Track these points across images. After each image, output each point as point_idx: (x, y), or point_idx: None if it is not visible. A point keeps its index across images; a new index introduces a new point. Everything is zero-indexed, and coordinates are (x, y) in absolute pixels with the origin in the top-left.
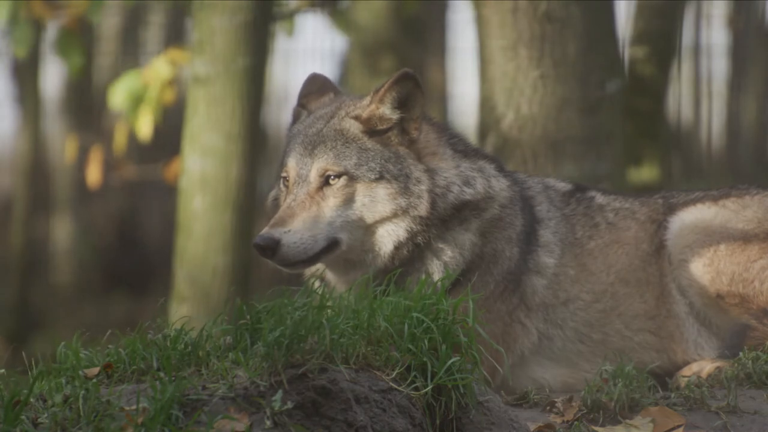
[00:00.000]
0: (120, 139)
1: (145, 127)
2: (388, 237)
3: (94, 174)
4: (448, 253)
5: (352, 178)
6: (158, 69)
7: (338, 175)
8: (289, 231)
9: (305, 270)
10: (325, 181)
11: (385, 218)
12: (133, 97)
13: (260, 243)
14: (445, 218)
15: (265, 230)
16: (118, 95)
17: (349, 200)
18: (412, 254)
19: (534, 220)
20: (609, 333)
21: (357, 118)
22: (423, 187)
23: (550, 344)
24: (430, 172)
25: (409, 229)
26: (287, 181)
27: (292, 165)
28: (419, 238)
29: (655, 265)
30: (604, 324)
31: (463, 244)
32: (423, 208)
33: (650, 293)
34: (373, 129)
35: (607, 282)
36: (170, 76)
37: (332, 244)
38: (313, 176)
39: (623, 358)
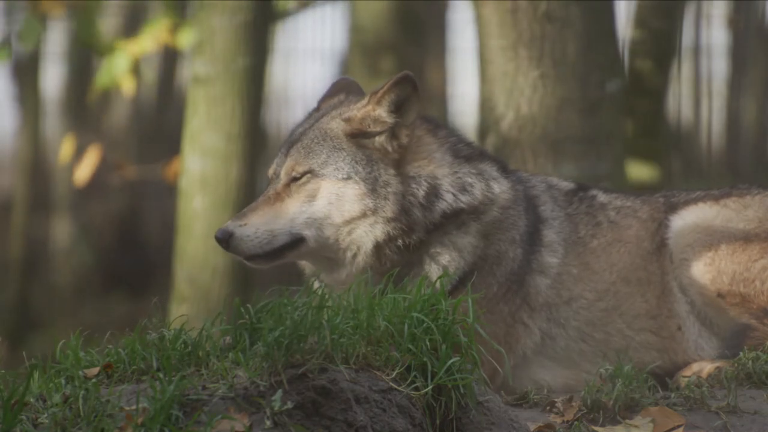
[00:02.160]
0: (100, 82)
1: (127, 83)
2: (366, 237)
3: (83, 172)
4: (446, 257)
5: (317, 176)
6: (143, 43)
7: (303, 173)
8: (245, 224)
9: (305, 268)
10: (294, 179)
11: (356, 218)
12: (115, 70)
13: (217, 235)
14: (436, 224)
15: (225, 223)
16: (103, 76)
17: (312, 197)
18: (405, 257)
19: (538, 220)
20: (611, 332)
21: (348, 119)
22: (390, 190)
23: (553, 344)
24: (405, 177)
25: (386, 230)
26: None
27: (273, 164)
28: (400, 241)
29: (656, 264)
30: (607, 323)
31: (463, 247)
32: (389, 209)
33: (651, 292)
34: (362, 131)
35: (609, 281)
36: (152, 49)
37: (297, 241)
38: (283, 174)
39: (623, 358)
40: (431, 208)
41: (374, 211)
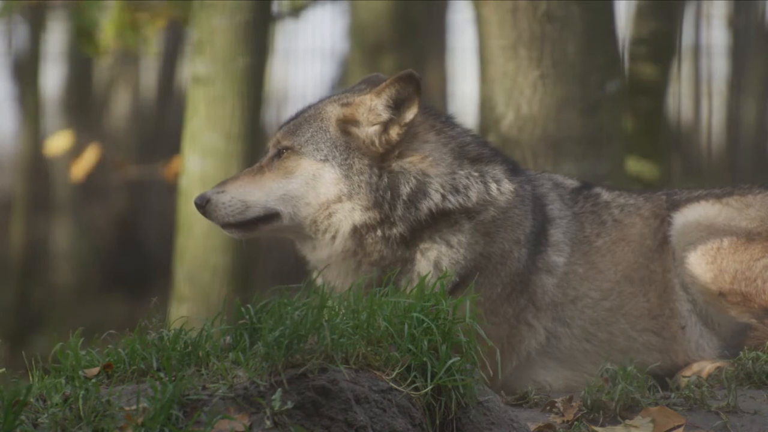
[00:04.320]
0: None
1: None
2: (345, 220)
3: (80, 168)
4: (434, 253)
5: (297, 153)
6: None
7: (285, 148)
8: (223, 192)
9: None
10: (278, 153)
11: (332, 201)
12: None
13: (195, 200)
14: (423, 221)
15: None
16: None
17: (290, 174)
18: (396, 251)
19: (546, 219)
20: (614, 333)
21: (345, 104)
22: (363, 179)
23: (558, 343)
24: (385, 171)
25: (364, 218)
26: None
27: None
28: (379, 231)
29: (658, 261)
30: (610, 323)
31: (455, 244)
32: (364, 197)
33: (654, 291)
34: (355, 118)
35: (614, 280)
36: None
37: (271, 216)
38: (270, 146)
39: (626, 359)
40: (416, 205)
41: (350, 197)
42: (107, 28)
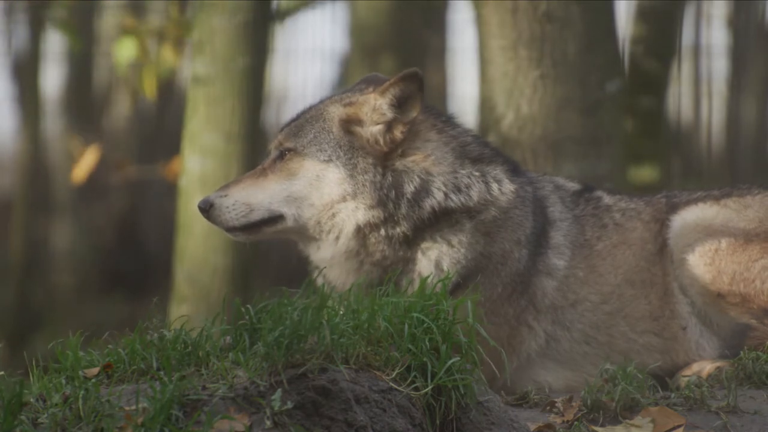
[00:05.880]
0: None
1: (149, 87)
2: (348, 220)
3: (80, 170)
4: (435, 252)
5: (300, 155)
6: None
7: (288, 150)
8: (226, 196)
9: (305, 250)
10: (280, 155)
11: (336, 201)
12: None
13: (199, 204)
14: (426, 220)
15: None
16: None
17: (293, 175)
18: (398, 251)
19: (546, 221)
20: (614, 335)
21: (348, 104)
22: (367, 178)
23: (557, 346)
24: (388, 169)
25: (367, 217)
26: None
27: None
28: (383, 230)
29: (658, 265)
30: (610, 326)
31: (456, 243)
32: (368, 197)
33: (654, 294)
34: (359, 118)
35: (614, 283)
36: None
37: (275, 218)
38: (273, 149)
39: (626, 360)
40: (419, 203)
41: (354, 197)
42: (119, 55)
